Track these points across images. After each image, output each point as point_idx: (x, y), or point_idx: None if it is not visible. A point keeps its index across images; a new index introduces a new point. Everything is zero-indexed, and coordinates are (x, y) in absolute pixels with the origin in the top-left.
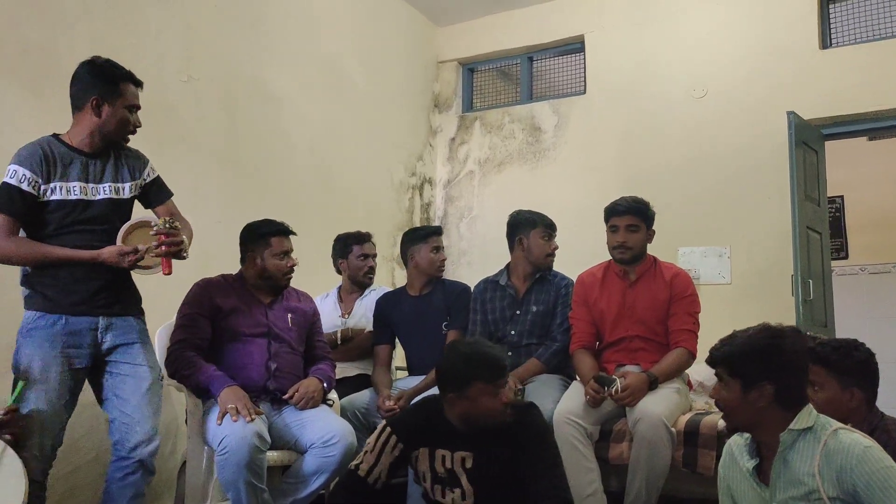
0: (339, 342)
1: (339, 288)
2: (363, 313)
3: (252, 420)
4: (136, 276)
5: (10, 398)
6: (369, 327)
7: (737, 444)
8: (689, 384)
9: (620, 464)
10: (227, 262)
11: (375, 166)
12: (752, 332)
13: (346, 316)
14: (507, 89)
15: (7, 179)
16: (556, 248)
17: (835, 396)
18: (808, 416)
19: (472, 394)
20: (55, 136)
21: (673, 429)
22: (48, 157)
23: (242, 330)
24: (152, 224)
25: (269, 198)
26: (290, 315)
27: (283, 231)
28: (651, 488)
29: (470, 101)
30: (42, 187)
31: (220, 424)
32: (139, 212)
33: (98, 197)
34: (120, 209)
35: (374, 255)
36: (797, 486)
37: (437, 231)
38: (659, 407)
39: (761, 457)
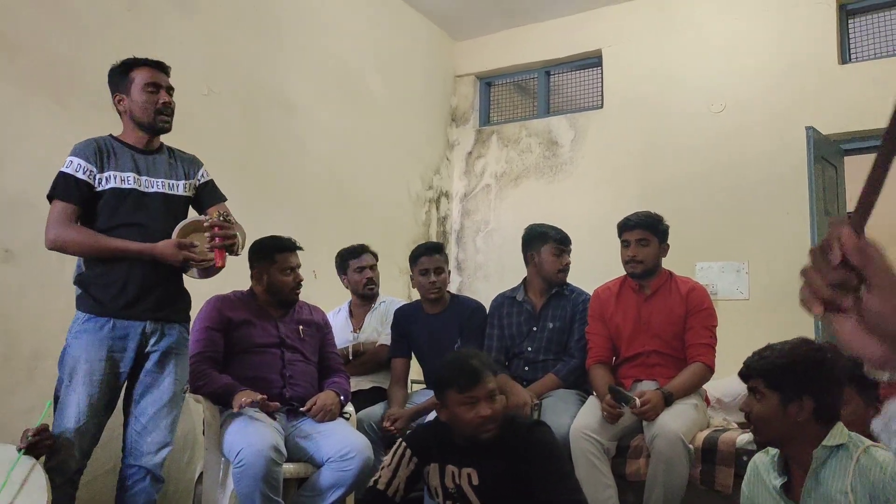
0: (350, 357)
1: (350, 303)
2: (374, 327)
3: (265, 404)
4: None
5: (40, 418)
6: (381, 340)
7: (762, 461)
8: (707, 400)
9: (637, 480)
10: (245, 273)
11: (392, 179)
12: (792, 346)
13: (358, 331)
14: (524, 103)
15: (63, 169)
16: (568, 262)
17: (859, 412)
18: (840, 432)
19: (448, 402)
20: (111, 135)
21: (690, 445)
22: (102, 149)
23: (255, 341)
24: (204, 221)
25: (286, 209)
26: (301, 327)
27: (287, 247)
28: None
29: (487, 114)
30: (97, 176)
31: (236, 409)
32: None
33: (152, 190)
34: (173, 206)
35: (372, 266)
36: (828, 503)
37: (426, 251)
38: (676, 423)
39: (790, 474)
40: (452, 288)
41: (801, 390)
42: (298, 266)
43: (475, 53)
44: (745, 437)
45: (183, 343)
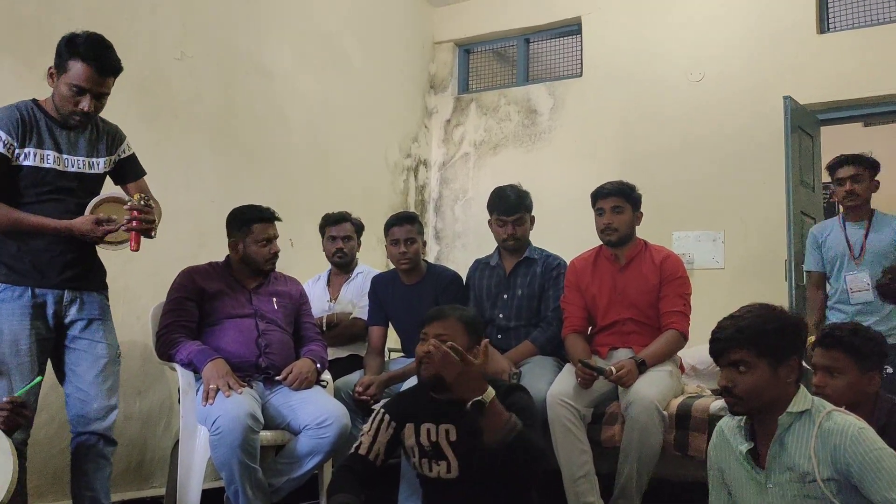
0: (324, 328)
1: (329, 271)
2: (350, 298)
3: (229, 395)
4: (107, 253)
5: (21, 390)
6: (356, 313)
7: (728, 426)
8: (682, 368)
9: (612, 446)
10: (222, 240)
11: (371, 147)
12: (762, 311)
13: (334, 301)
14: (503, 71)
15: None
16: (512, 233)
17: (855, 381)
18: (804, 398)
19: None
20: (35, 101)
21: (665, 412)
22: (25, 121)
23: (228, 311)
24: (126, 199)
25: (263, 176)
26: (275, 299)
27: (265, 218)
28: (642, 471)
29: (466, 82)
30: (16, 151)
31: (204, 405)
32: (109, 188)
33: (71, 169)
34: (91, 183)
35: (346, 237)
36: (793, 469)
37: (397, 221)
38: (651, 390)
39: (756, 440)
40: (430, 257)
41: (790, 351)
42: (275, 237)
43: (454, 20)
44: (718, 404)
45: (106, 310)
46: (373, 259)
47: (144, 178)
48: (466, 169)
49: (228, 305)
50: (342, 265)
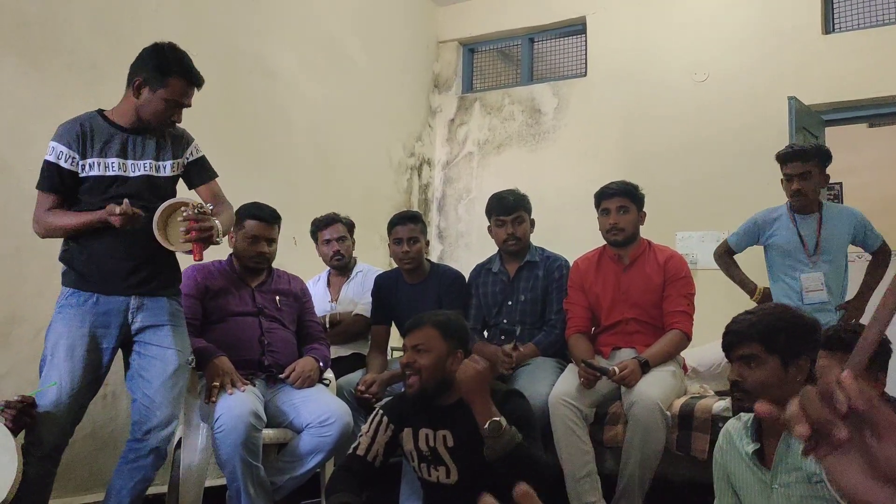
0: (326, 327)
1: (329, 272)
2: (350, 298)
3: (232, 393)
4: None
5: (33, 392)
6: (357, 310)
7: (735, 428)
8: (685, 368)
9: (615, 446)
10: (225, 240)
11: (374, 146)
12: (778, 310)
13: (335, 302)
14: (507, 70)
15: (47, 157)
16: (512, 232)
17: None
18: None
19: None
20: (100, 111)
21: (668, 412)
22: (86, 134)
23: (232, 309)
24: (182, 210)
25: (267, 176)
26: (278, 297)
27: (258, 216)
28: (645, 471)
29: (470, 81)
30: (80, 163)
31: (207, 403)
32: (182, 191)
33: (135, 173)
34: (158, 187)
35: (341, 238)
36: (799, 469)
37: (399, 220)
38: (654, 390)
39: (762, 441)
40: (434, 256)
41: (800, 351)
42: (266, 237)
43: (458, 19)
44: (721, 405)
45: (177, 315)
46: (375, 258)
47: (216, 179)
48: (470, 168)
49: (232, 303)
50: (341, 267)
